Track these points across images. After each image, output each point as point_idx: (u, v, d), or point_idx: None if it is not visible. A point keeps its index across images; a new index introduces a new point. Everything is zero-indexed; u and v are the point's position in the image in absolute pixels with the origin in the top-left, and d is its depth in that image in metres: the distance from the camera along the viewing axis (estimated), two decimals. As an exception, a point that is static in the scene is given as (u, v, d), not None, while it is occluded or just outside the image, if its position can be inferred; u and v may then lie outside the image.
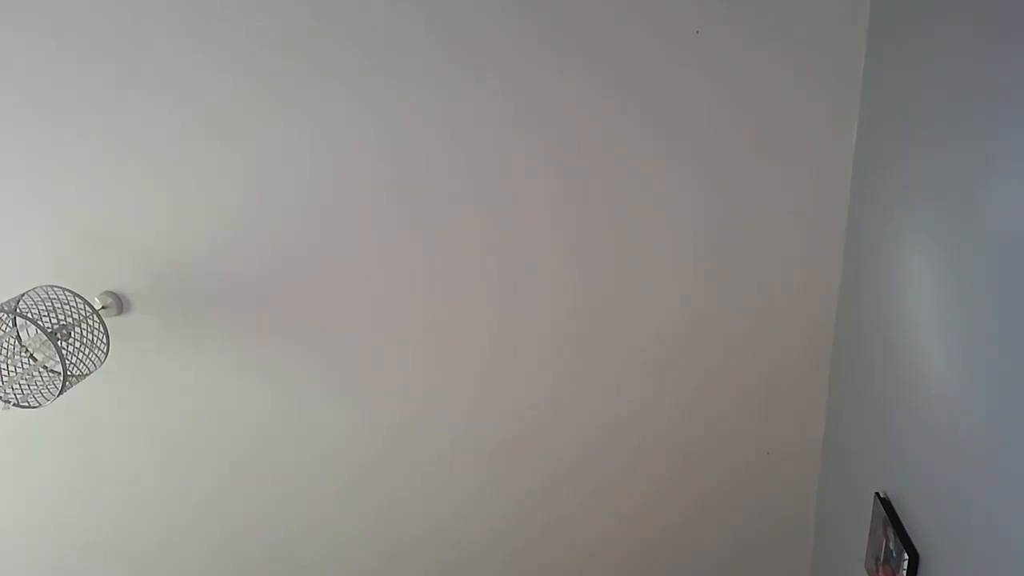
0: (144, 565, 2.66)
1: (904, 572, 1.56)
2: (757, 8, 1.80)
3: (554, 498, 2.46)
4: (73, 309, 2.03)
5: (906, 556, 1.56)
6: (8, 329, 2.00)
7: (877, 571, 1.74)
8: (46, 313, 1.97)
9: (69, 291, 2.05)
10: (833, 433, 2.19)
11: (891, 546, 1.65)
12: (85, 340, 2.03)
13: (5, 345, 2.01)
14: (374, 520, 2.54)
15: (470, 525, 2.53)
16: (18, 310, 1.93)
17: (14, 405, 1.98)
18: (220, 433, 2.41)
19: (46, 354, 2.04)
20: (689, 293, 2.12)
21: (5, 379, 1.99)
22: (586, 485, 2.43)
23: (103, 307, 2.18)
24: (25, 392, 2.00)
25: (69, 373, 1.94)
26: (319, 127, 1.99)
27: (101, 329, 2.08)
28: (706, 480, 2.38)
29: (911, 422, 1.59)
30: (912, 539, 1.59)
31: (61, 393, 1.96)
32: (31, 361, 2.06)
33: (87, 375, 2.04)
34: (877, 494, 1.75)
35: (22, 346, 2.04)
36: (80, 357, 2.01)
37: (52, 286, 2.04)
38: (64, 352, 1.94)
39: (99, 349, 2.07)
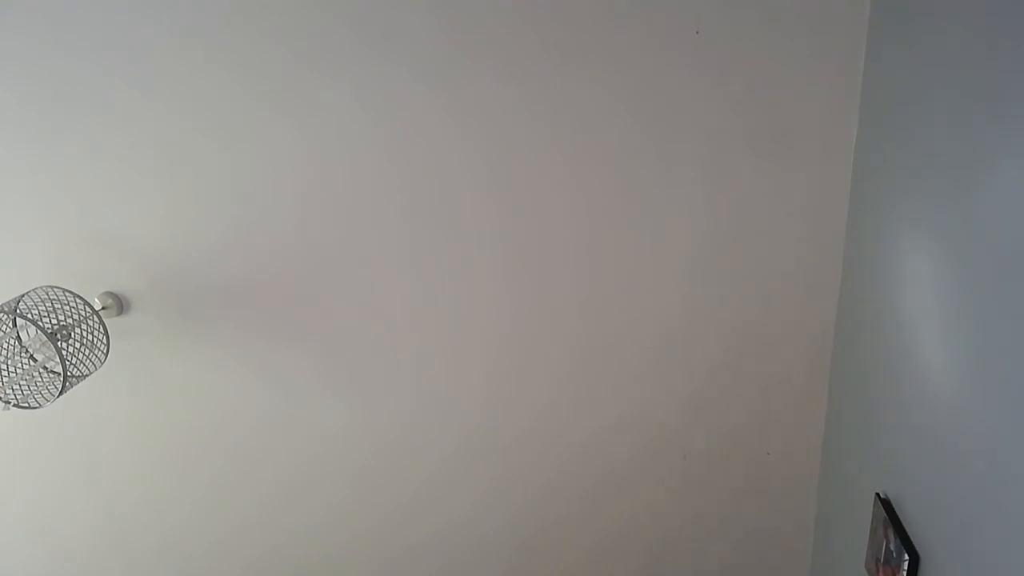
0: (144, 565, 2.66)
1: (904, 573, 1.56)
2: (757, 8, 1.80)
3: (556, 498, 2.45)
4: (73, 310, 2.03)
5: (906, 557, 1.56)
6: (8, 330, 2.00)
7: (877, 572, 1.74)
8: (46, 314, 1.98)
9: (69, 292, 2.05)
10: (833, 433, 2.19)
11: (891, 547, 1.65)
12: (85, 341, 2.03)
13: (5, 346, 2.02)
14: (377, 521, 2.54)
15: (472, 526, 2.53)
16: (18, 311, 1.93)
17: (14, 406, 1.98)
18: (220, 433, 2.41)
19: (46, 355, 2.04)
20: (689, 292, 2.12)
21: (5, 380, 1.99)
22: (587, 485, 2.43)
23: (103, 308, 2.18)
24: (25, 393, 2.00)
25: (69, 374, 1.94)
26: (321, 126, 1.99)
27: (101, 330, 2.08)
28: (706, 480, 2.38)
29: (911, 423, 1.59)
30: (912, 539, 1.59)
31: (61, 394, 1.96)
32: (31, 362, 2.06)
33: (87, 376, 2.04)
34: (877, 494, 1.75)
35: (22, 347, 2.04)
36: (80, 358, 2.01)
37: (52, 287, 2.04)
38: (64, 353, 1.94)
39: (99, 350, 2.07)
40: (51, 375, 2.06)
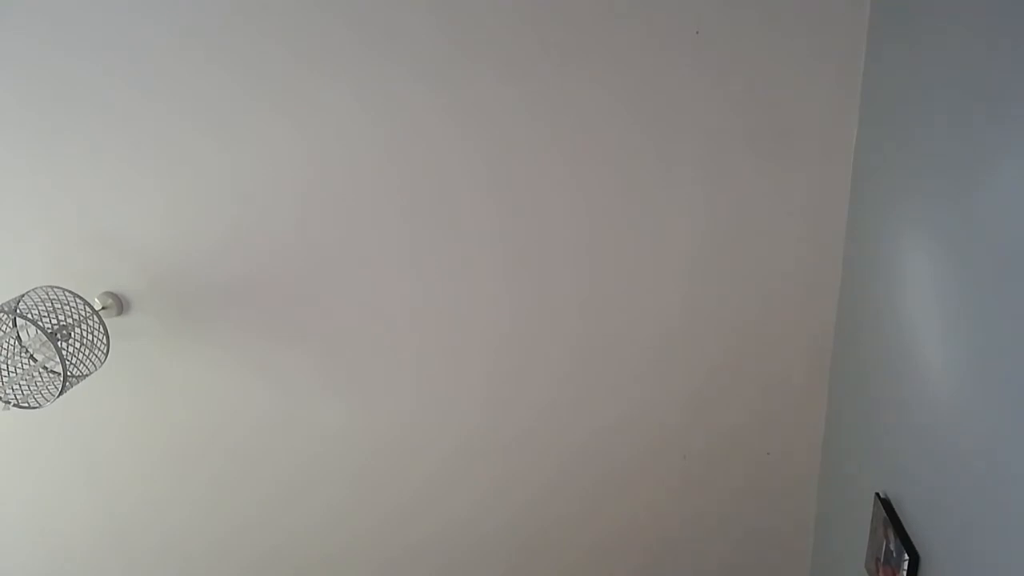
0: (144, 565, 2.66)
1: (904, 573, 1.56)
2: (757, 8, 1.80)
3: (556, 498, 2.45)
4: (73, 310, 2.03)
5: (906, 556, 1.56)
6: (8, 330, 2.00)
7: (877, 571, 1.74)
8: (46, 314, 1.98)
9: (69, 292, 2.05)
10: (833, 433, 2.19)
11: (891, 546, 1.65)
12: (85, 341, 2.03)
13: (5, 346, 2.02)
14: (377, 521, 2.54)
15: (472, 526, 2.53)
16: (18, 311, 1.93)
17: (14, 406, 1.98)
18: (220, 433, 2.41)
19: (46, 355, 2.04)
20: (689, 292, 2.12)
21: (5, 380, 1.99)
22: (587, 485, 2.42)
23: (103, 308, 2.18)
24: (25, 393, 2.00)
25: (69, 374, 1.94)
26: (321, 126, 1.99)
27: (101, 330, 2.08)
28: (706, 480, 2.38)
29: (911, 423, 1.59)
30: (912, 539, 1.59)
31: (61, 394, 1.96)
32: (31, 362, 2.06)
33: (87, 376, 2.04)
34: (877, 494, 1.75)
35: (22, 347, 2.04)
36: (80, 358, 2.01)
37: (52, 287, 2.04)
38: (64, 353, 1.94)
39: (99, 350, 2.07)
40: (51, 375, 2.06)
